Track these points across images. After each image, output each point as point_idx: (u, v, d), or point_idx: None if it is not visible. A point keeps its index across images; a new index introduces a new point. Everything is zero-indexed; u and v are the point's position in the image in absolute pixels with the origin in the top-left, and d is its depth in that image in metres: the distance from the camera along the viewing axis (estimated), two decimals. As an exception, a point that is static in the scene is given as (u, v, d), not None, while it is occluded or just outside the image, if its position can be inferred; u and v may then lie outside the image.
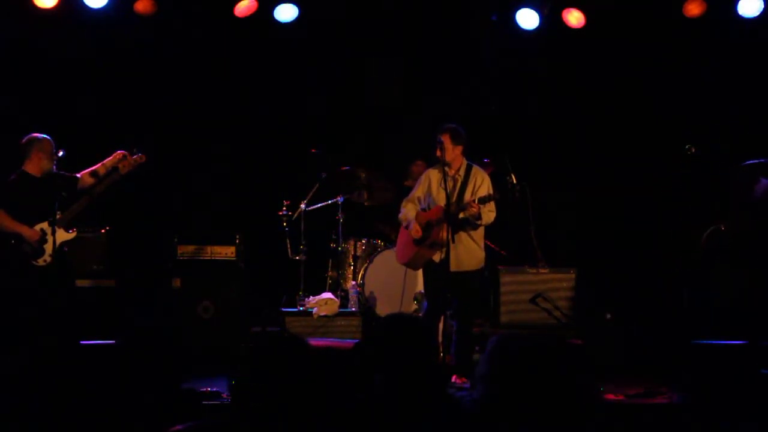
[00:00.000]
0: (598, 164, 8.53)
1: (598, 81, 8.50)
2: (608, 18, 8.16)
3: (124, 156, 6.63)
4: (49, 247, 6.42)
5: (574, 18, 8.13)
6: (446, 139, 6.40)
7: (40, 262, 6.45)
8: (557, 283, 7.62)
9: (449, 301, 6.45)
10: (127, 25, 7.99)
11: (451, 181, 6.43)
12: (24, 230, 6.41)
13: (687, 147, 6.91)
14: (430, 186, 6.54)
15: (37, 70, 8.14)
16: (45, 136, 6.55)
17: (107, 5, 7.78)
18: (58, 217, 6.39)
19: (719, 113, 8.16)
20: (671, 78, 8.37)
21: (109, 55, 8.21)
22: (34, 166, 6.50)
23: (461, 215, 6.35)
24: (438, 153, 6.42)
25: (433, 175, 6.53)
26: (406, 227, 6.60)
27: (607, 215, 8.48)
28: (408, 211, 6.62)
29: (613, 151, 8.48)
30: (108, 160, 6.66)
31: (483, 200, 6.23)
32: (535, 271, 7.64)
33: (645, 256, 8.24)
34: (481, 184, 6.43)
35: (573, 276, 7.63)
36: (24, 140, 6.54)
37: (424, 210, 6.59)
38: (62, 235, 6.46)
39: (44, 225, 6.46)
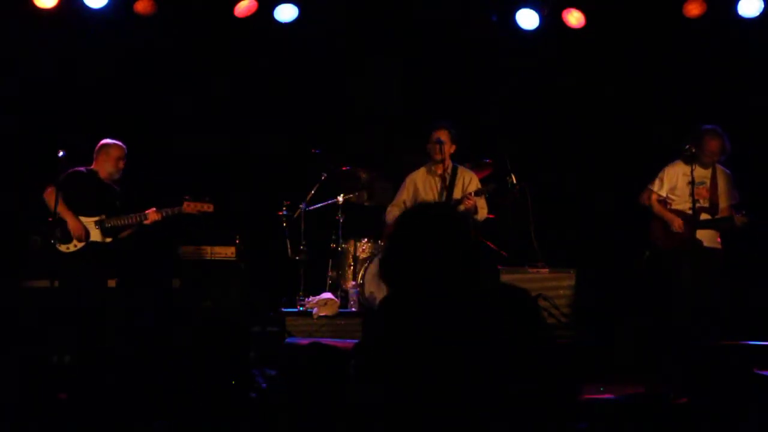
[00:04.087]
0: (599, 164, 8.53)
1: (597, 81, 8.50)
2: (608, 18, 8.16)
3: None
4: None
5: (574, 18, 8.14)
6: (446, 138, 6.40)
7: (63, 248, 6.61)
8: (557, 283, 7.62)
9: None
10: (127, 25, 8.00)
11: (440, 180, 6.44)
12: (70, 219, 6.60)
13: (687, 147, 6.91)
14: (416, 189, 6.53)
15: (37, 70, 8.13)
16: (116, 142, 6.88)
17: (107, 5, 7.79)
18: (102, 218, 6.71)
19: (719, 113, 8.16)
20: (671, 78, 8.37)
21: (109, 55, 8.21)
22: (102, 169, 6.82)
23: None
24: (436, 149, 6.40)
25: (418, 177, 6.54)
26: None
27: (607, 215, 8.47)
28: (396, 215, 6.60)
29: (613, 151, 8.48)
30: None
31: (479, 193, 6.25)
32: (535, 271, 7.64)
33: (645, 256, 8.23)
34: (470, 182, 6.45)
35: (573, 276, 7.63)
36: (98, 145, 6.88)
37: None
38: (96, 236, 6.72)
39: (85, 219, 6.68)
